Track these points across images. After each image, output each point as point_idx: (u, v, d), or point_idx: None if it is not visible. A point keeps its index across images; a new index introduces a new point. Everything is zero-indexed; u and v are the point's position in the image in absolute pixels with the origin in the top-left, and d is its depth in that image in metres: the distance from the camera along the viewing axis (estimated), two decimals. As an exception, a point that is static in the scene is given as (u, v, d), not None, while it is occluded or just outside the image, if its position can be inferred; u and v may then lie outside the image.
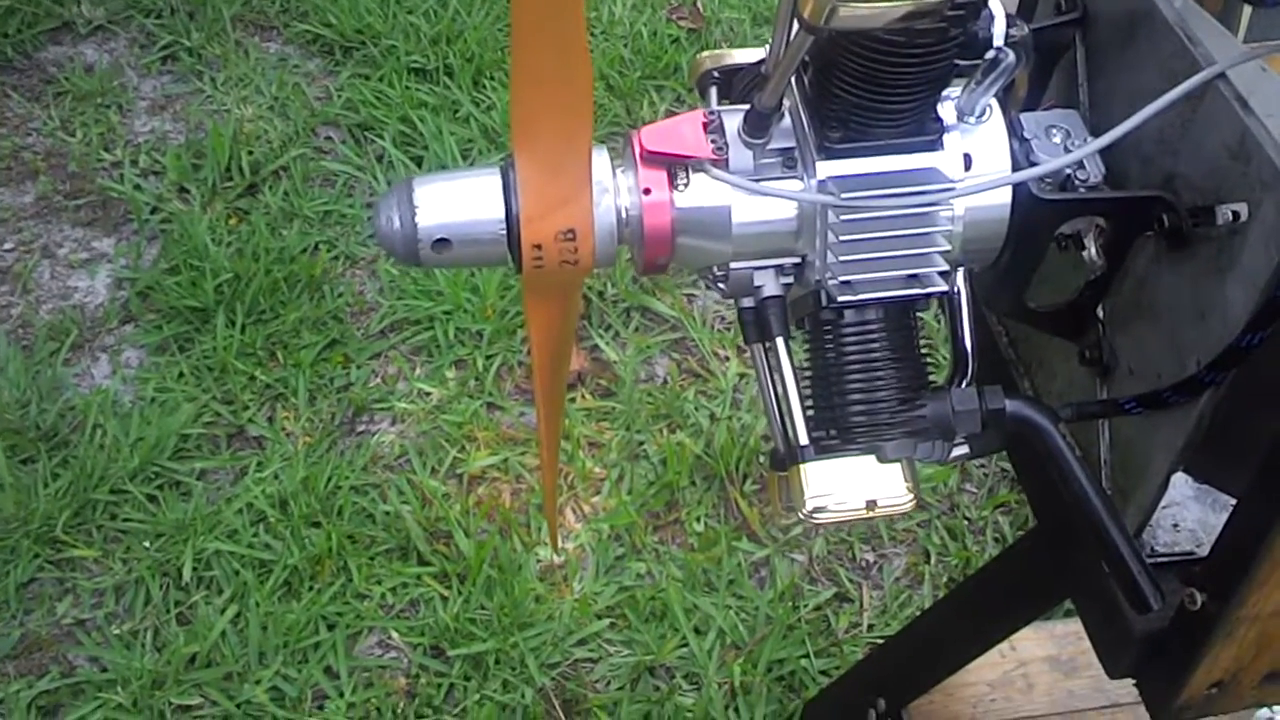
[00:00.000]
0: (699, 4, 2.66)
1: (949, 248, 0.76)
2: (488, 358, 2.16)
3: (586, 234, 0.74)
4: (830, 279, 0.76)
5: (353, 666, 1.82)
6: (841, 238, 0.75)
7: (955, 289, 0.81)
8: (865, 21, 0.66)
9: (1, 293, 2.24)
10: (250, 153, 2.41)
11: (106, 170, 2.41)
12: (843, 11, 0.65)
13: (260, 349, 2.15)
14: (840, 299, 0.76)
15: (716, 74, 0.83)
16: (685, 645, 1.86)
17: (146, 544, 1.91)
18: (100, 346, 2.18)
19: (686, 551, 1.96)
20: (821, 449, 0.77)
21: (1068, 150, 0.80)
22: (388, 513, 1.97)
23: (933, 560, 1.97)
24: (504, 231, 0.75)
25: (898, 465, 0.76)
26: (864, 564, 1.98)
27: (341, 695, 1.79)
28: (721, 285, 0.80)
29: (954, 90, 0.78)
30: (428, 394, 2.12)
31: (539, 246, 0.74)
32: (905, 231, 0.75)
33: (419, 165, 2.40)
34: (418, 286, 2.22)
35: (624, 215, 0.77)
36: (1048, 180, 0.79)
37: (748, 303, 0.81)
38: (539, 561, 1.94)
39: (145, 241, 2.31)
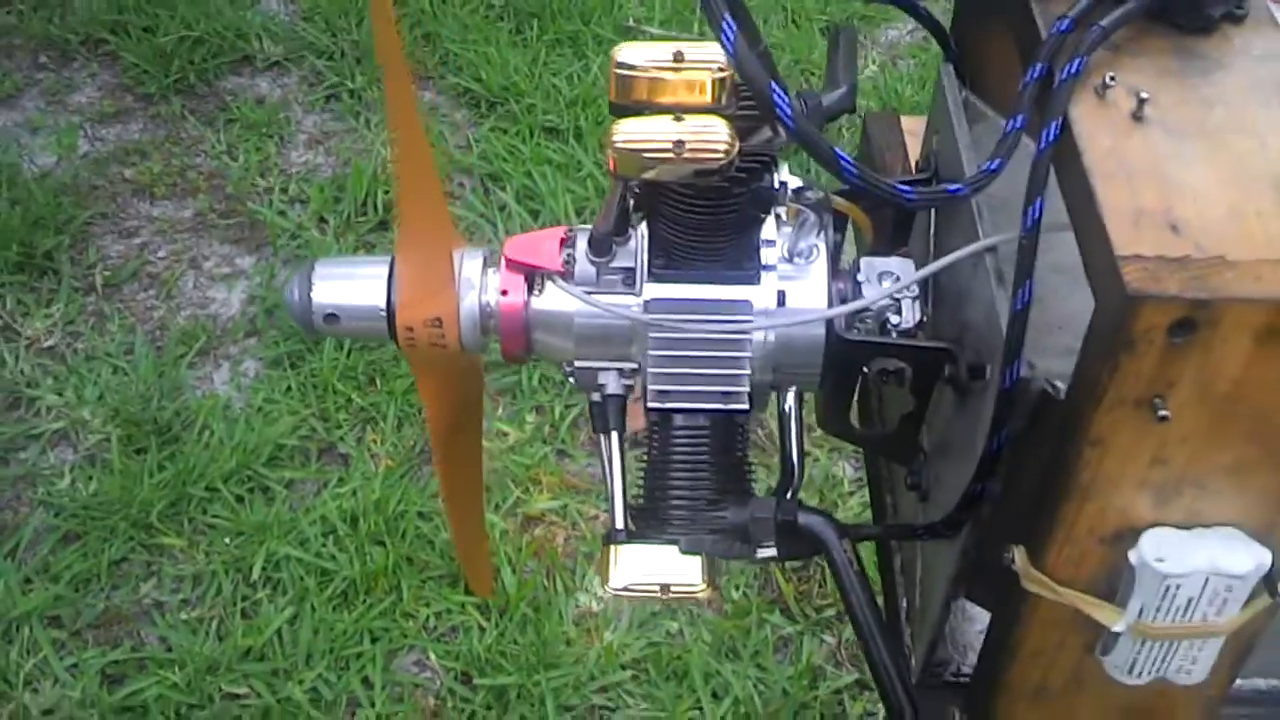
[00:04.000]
0: (825, 88, 2.73)
1: (748, 372, 0.84)
2: (566, 407, 2.28)
3: (451, 323, 0.87)
4: (649, 386, 0.86)
5: (388, 680, 1.95)
6: (654, 352, 0.84)
7: (787, 406, 0.89)
8: (660, 176, 0.76)
9: (148, 296, 2.48)
10: (386, 191, 2.61)
11: (259, 195, 2.65)
12: (625, 170, 0.76)
13: (361, 374, 2.33)
14: (652, 405, 0.86)
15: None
16: (699, 708, 1.93)
17: (227, 540, 2.09)
18: (224, 355, 2.40)
19: (719, 617, 2.03)
20: (635, 534, 0.86)
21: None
22: (446, 540, 2.11)
23: (957, 660, 1.98)
24: (384, 313, 0.88)
25: (699, 556, 0.84)
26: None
27: (373, 705, 1.92)
28: (572, 379, 0.91)
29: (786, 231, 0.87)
30: (505, 434, 2.26)
31: (411, 329, 0.87)
32: (710, 353, 0.84)
33: (535, 218, 2.55)
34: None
35: (487, 309, 0.88)
36: (865, 320, 0.86)
37: (596, 396, 0.90)
38: (576, 606, 2.04)
39: (280, 264, 2.52)
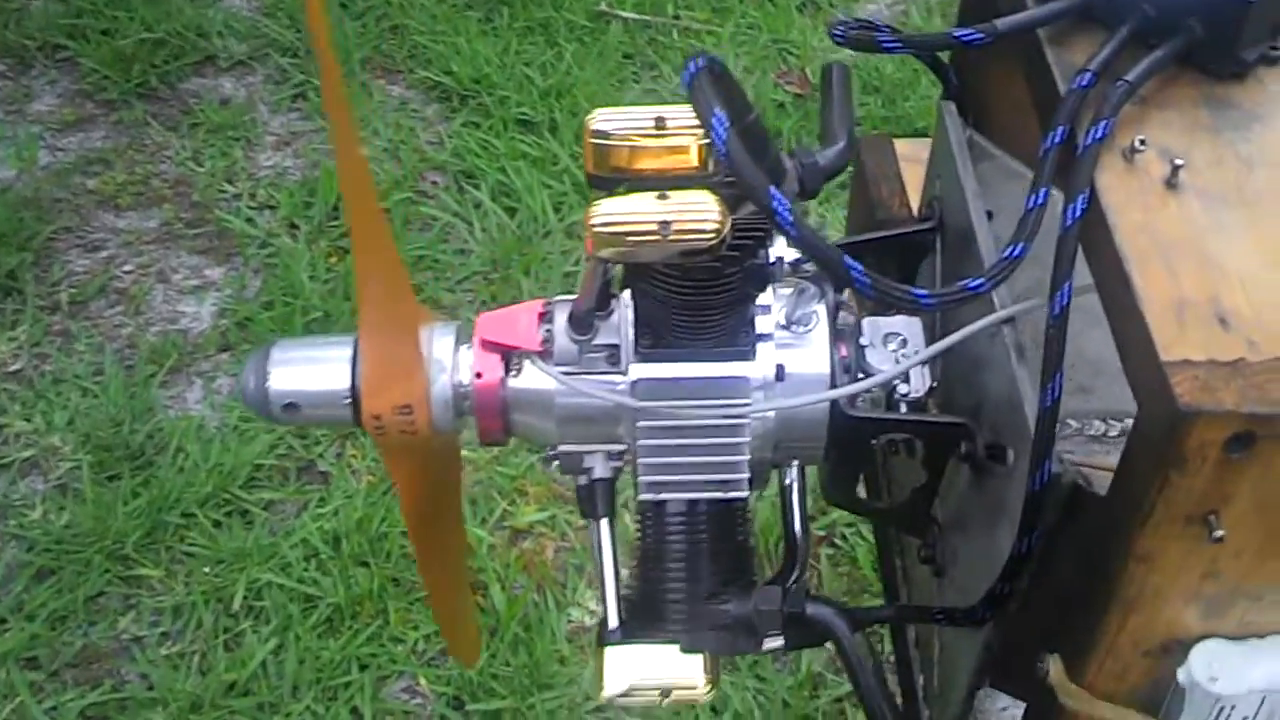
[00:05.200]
0: (807, 70, 2.66)
1: (747, 457, 0.78)
2: (551, 415, 2.21)
3: (422, 408, 0.80)
4: (639, 477, 0.79)
5: (378, 709, 1.90)
6: (644, 441, 0.78)
7: (788, 480, 0.83)
8: (630, 258, 0.70)
9: (116, 313, 2.40)
10: (358, 193, 2.52)
11: (226, 202, 2.56)
12: (605, 253, 0.69)
13: (340, 387, 2.25)
14: (644, 495, 0.79)
15: None
16: (699, 723, 1.88)
17: (206, 569, 2.03)
18: (197, 372, 2.32)
19: (716, 629, 1.97)
20: (630, 632, 0.79)
21: (897, 361, 0.80)
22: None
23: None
24: (349, 401, 0.81)
25: (700, 654, 0.78)
26: (890, 661, 1.96)
27: (363, 737, 1.87)
28: (556, 463, 0.84)
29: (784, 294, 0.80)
30: (489, 445, 2.19)
31: (378, 417, 0.80)
32: (705, 441, 0.78)
33: (511, 216, 2.47)
34: (494, 338, 2.29)
35: (461, 391, 0.81)
36: (871, 390, 0.79)
37: (583, 480, 0.84)
38: (569, 622, 1.98)
39: (251, 274, 2.44)
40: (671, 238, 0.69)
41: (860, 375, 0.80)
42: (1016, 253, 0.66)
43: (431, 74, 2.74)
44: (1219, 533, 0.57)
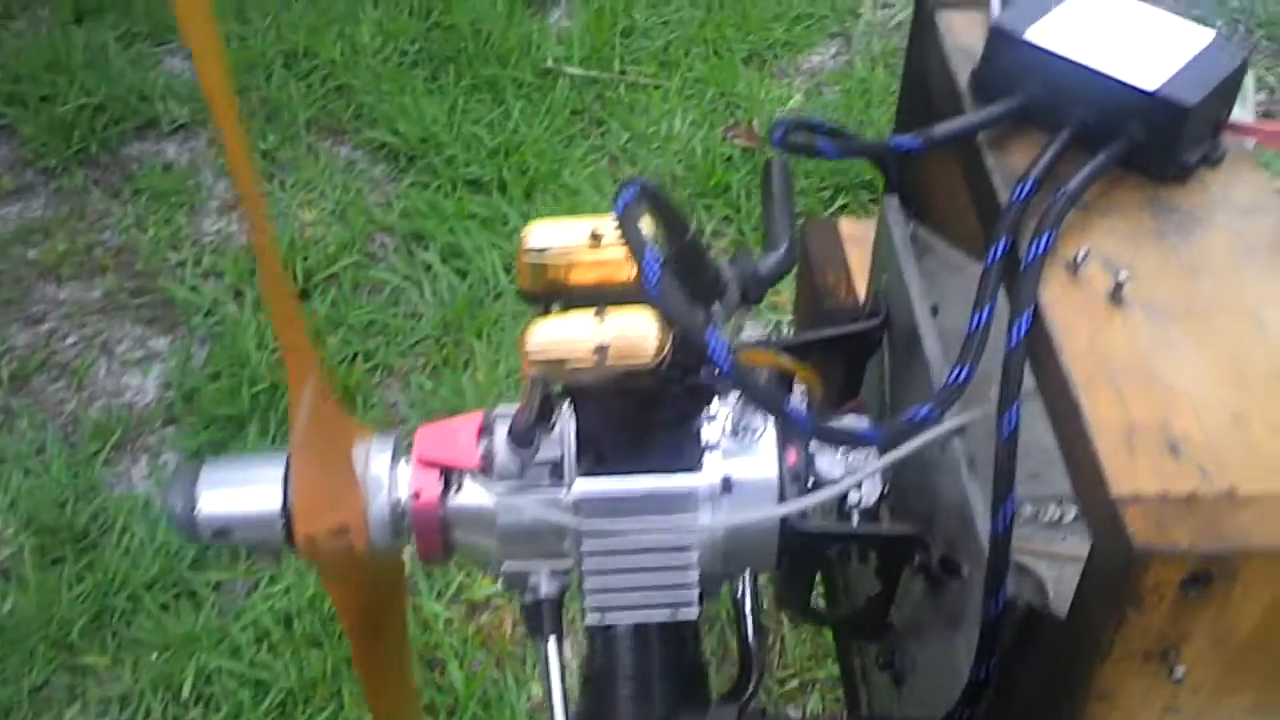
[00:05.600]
0: (755, 124, 2.65)
1: (696, 575, 0.75)
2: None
3: (359, 530, 0.77)
4: (584, 601, 0.77)
5: (334, 799, 1.85)
6: (589, 565, 0.75)
7: (739, 591, 0.80)
8: (568, 381, 0.68)
9: (58, 388, 2.35)
10: (305, 258, 2.49)
11: (170, 270, 2.52)
12: (536, 372, 0.67)
13: (290, 459, 2.21)
14: (590, 620, 0.76)
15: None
16: (664, 799, 1.84)
17: (154, 655, 1.97)
18: (142, 447, 2.27)
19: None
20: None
21: (848, 467, 0.78)
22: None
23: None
24: (282, 524, 0.78)
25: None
26: (857, 727, 1.94)
27: (320, 826, 1.82)
28: (501, 582, 0.81)
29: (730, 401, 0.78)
30: (444, 515, 2.15)
31: (313, 541, 0.77)
32: (652, 559, 0.75)
33: (463, 278, 2.44)
34: (446, 405, 2.26)
35: (399, 509, 0.78)
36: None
37: (528, 598, 0.81)
38: (529, 699, 1.94)
39: (197, 344, 2.40)
40: (609, 362, 0.67)
41: (810, 482, 0.78)
42: (962, 378, 0.64)
43: (378, 134, 2.72)
44: (1179, 670, 0.55)
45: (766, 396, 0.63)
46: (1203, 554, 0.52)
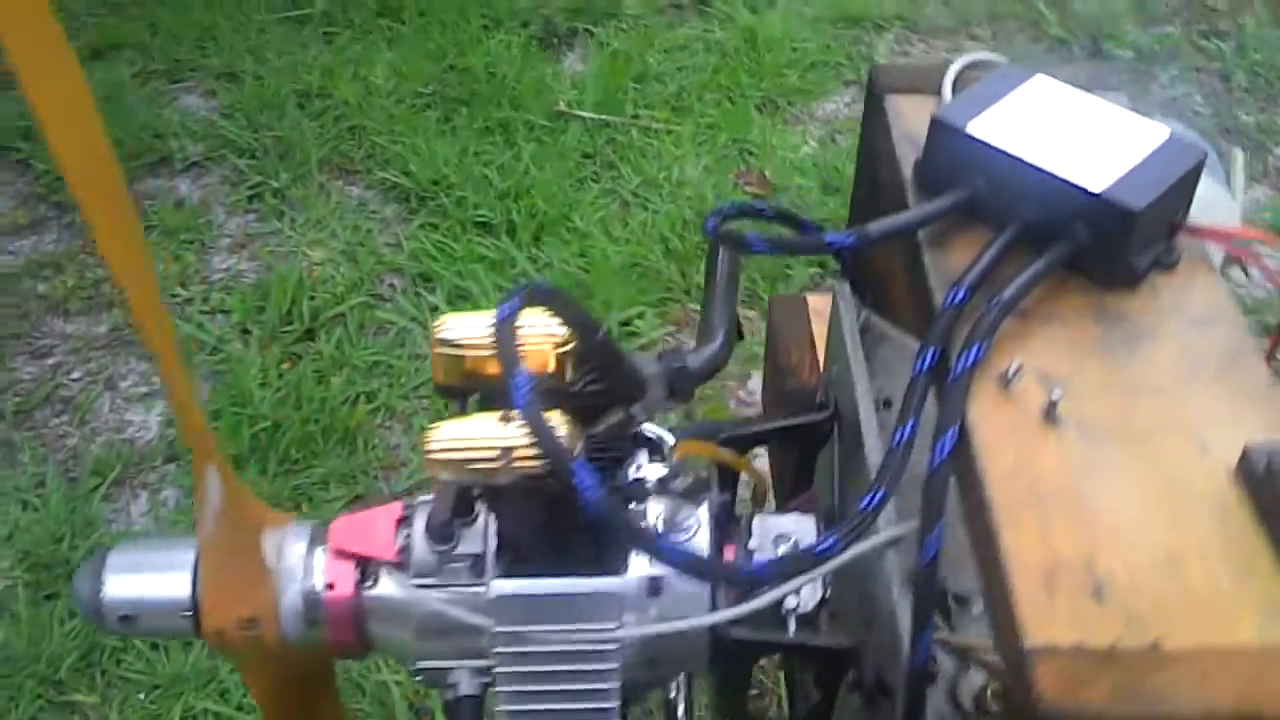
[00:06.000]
0: (767, 172, 2.63)
1: (617, 684, 0.72)
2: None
3: (270, 622, 0.76)
4: (498, 705, 0.74)
5: (314, 847, 1.82)
6: (503, 668, 0.72)
7: (671, 694, 0.77)
8: (474, 482, 0.65)
9: (61, 422, 2.35)
10: (313, 298, 2.48)
11: (178, 307, 2.52)
12: (446, 476, 0.64)
13: (287, 500, 2.19)
14: None
15: None
16: None
17: (142, 694, 1.96)
18: (141, 483, 2.26)
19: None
20: None
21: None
22: (377, 683, 1.97)
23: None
24: (189, 613, 0.76)
25: None
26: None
27: None
28: (419, 678, 0.79)
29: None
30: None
31: (220, 632, 0.75)
32: (570, 666, 0.73)
33: (468, 322, 2.43)
34: (445, 449, 2.24)
35: (313, 599, 0.76)
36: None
37: (449, 695, 0.78)
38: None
39: (200, 381, 2.39)
40: (514, 464, 0.64)
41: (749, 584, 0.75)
42: (874, 503, 0.61)
43: (390, 174, 2.71)
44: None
45: (637, 536, 0.61)
46: (1117, 717, 0.48)
